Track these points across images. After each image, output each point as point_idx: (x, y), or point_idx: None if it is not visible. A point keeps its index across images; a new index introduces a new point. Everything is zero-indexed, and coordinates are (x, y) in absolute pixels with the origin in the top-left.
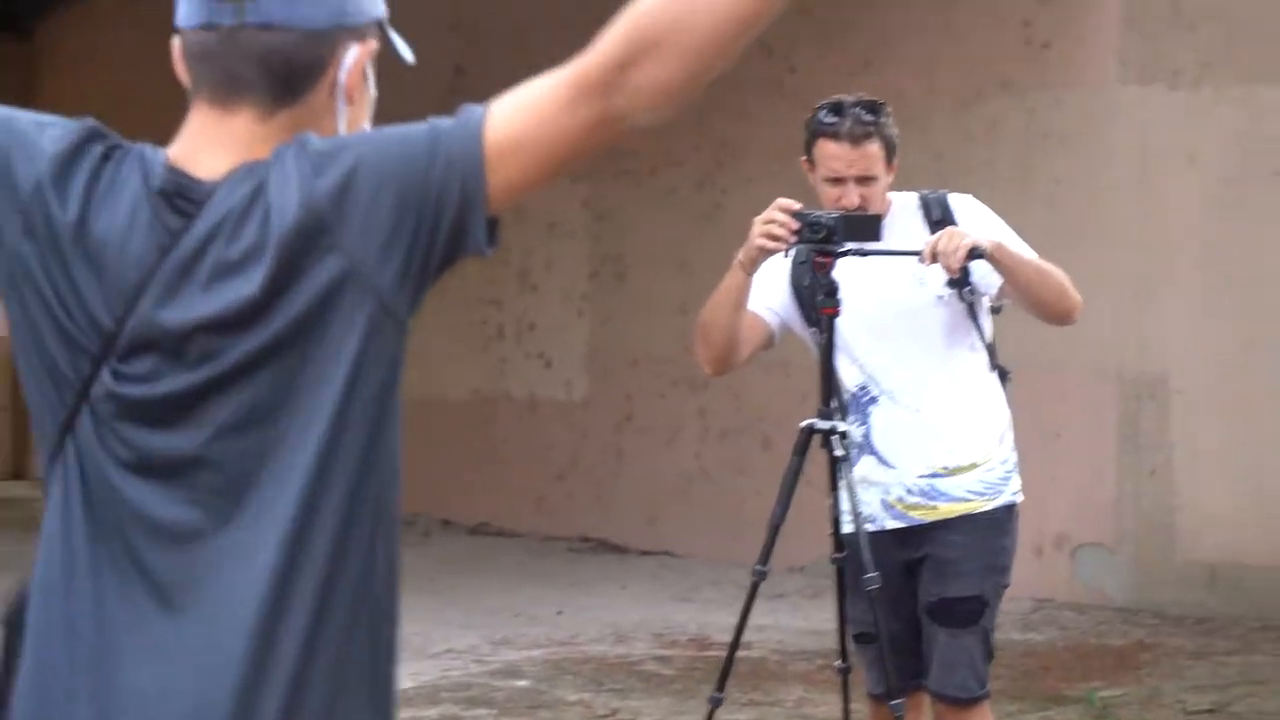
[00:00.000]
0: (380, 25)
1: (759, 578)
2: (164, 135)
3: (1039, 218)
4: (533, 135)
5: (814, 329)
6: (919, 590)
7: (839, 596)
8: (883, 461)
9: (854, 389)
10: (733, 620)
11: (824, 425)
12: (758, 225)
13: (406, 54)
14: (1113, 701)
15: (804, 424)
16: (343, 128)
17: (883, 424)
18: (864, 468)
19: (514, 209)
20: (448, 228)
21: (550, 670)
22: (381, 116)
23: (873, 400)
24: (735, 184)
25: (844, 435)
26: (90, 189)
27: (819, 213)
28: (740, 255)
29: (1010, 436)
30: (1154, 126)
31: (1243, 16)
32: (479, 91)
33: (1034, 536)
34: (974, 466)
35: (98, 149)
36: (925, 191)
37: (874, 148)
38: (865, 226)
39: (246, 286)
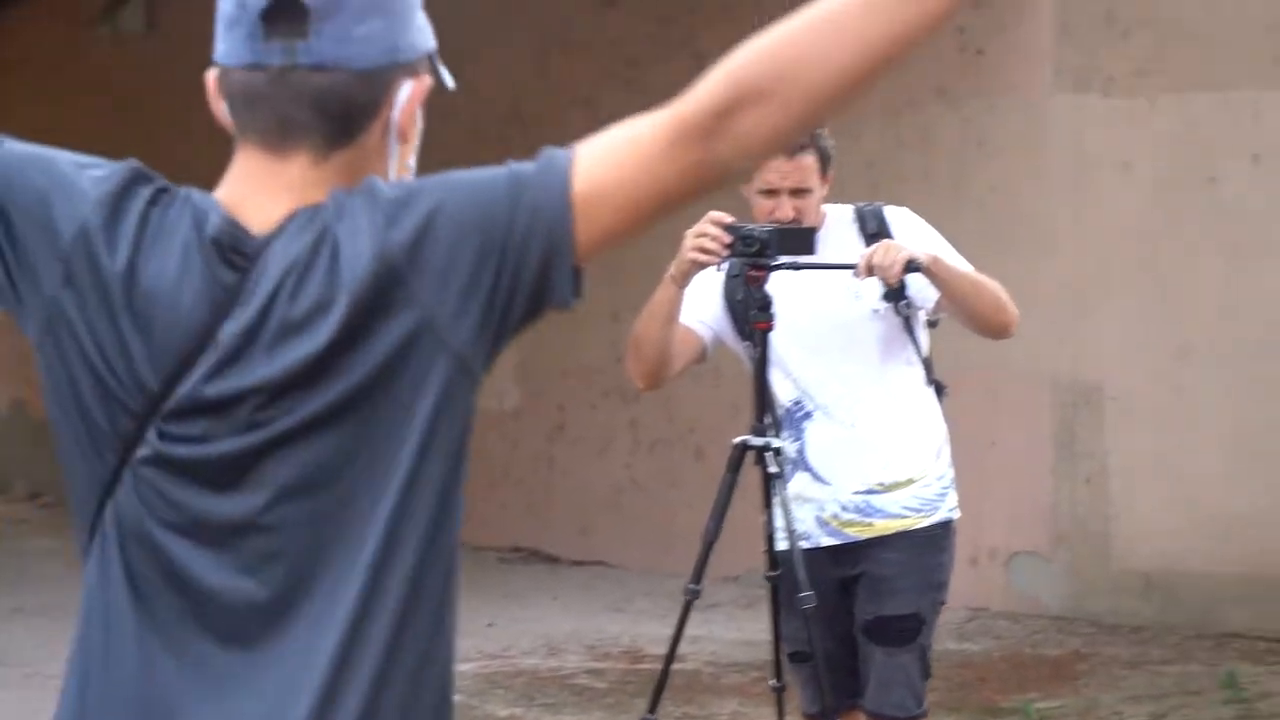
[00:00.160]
0: (431, 59)
1: (692, 596)
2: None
3: (973, 225)
4: (625, 182)
5: (747, 343)
6: (855, 608)
7: (773, 614)
8: (817, 478)
9: (788, 404)
10: (665, 632)
11: (757, 442)
12: (689, 238)
13: (449, 82)
14: (1049, 713)
15: (737, 440)
16: (394, 167)
17: (817, 440)
18: (798, 484)
19: None
20: (530, 280)
21: (481, 684)
22: None
23: (807, 415)
24: None
25: (778, 452)
26: (140, 235)
27: (752, 226)
28: (671, 269)
29: (947, 452)
30: (1088, 134)
31: (1176, 23)
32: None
33: (969, 545)
34: (910, 482)
35: (145, 191)
36: (861, 204)
37: (809, 160)
38: (799, 239)
39: (312, 344)
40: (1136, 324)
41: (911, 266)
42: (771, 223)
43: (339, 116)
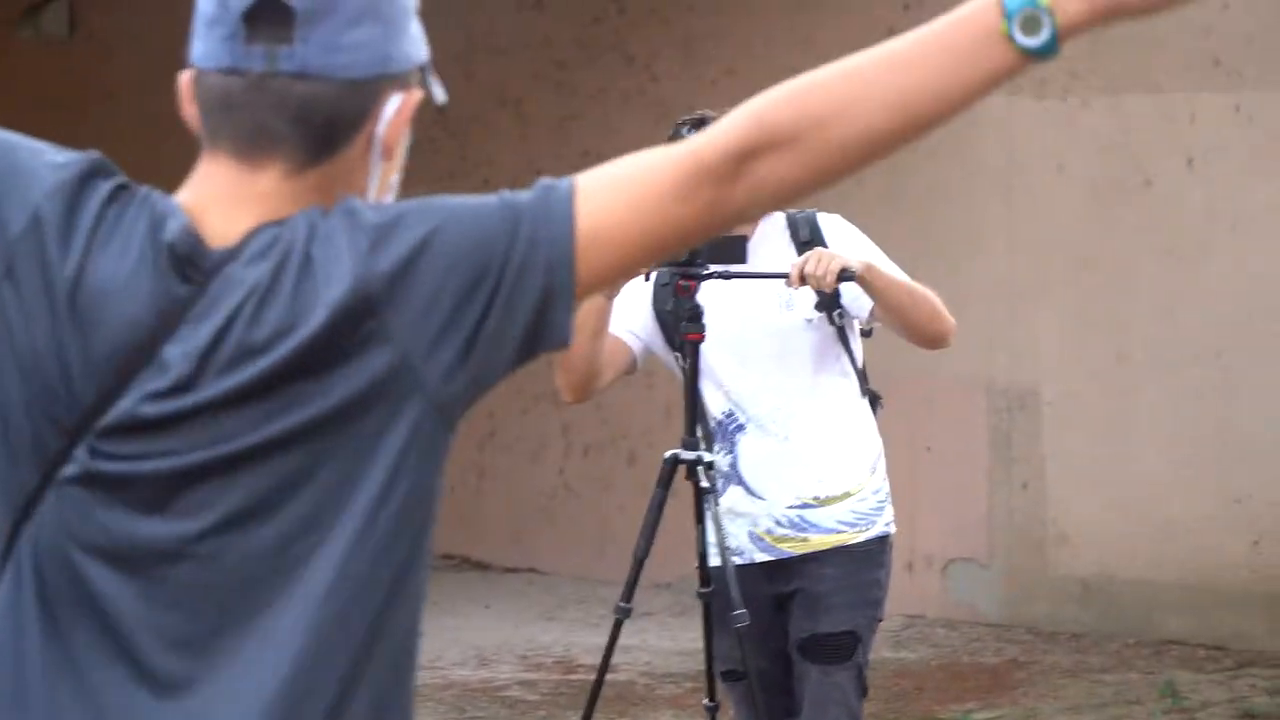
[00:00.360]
0: (422, 71)
1: (623, 615)
2: None
3: (907, 229)
4: (632, 219)
5: (677, 354)
6: (789, 626)
7: (706, 632)
8: (751, 492)
9: (720, 416)
10: (599, 640)
11: (689, 455)
12: None
13: (440, 95)
14: None
15: (668, 454)
16: (375, 186)
17: (750, 453)
18: (731, 498)
19: None
20: (524, 319)
21: None
22: None
23: (740, 428)
24: None
25: (710, 466)
26: (93, 233)
27: None
28: None
29: (883, 465)
30: (1022, 136)
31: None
32: None
33: (905, 552)
34: (845, 496)
35: (104, 186)
36: (793, 211)
37: None
38: (729, 248)
39: (267, 369)
40: (1072, 328)
41: (845, 275)
42: None
43: (320, 128)
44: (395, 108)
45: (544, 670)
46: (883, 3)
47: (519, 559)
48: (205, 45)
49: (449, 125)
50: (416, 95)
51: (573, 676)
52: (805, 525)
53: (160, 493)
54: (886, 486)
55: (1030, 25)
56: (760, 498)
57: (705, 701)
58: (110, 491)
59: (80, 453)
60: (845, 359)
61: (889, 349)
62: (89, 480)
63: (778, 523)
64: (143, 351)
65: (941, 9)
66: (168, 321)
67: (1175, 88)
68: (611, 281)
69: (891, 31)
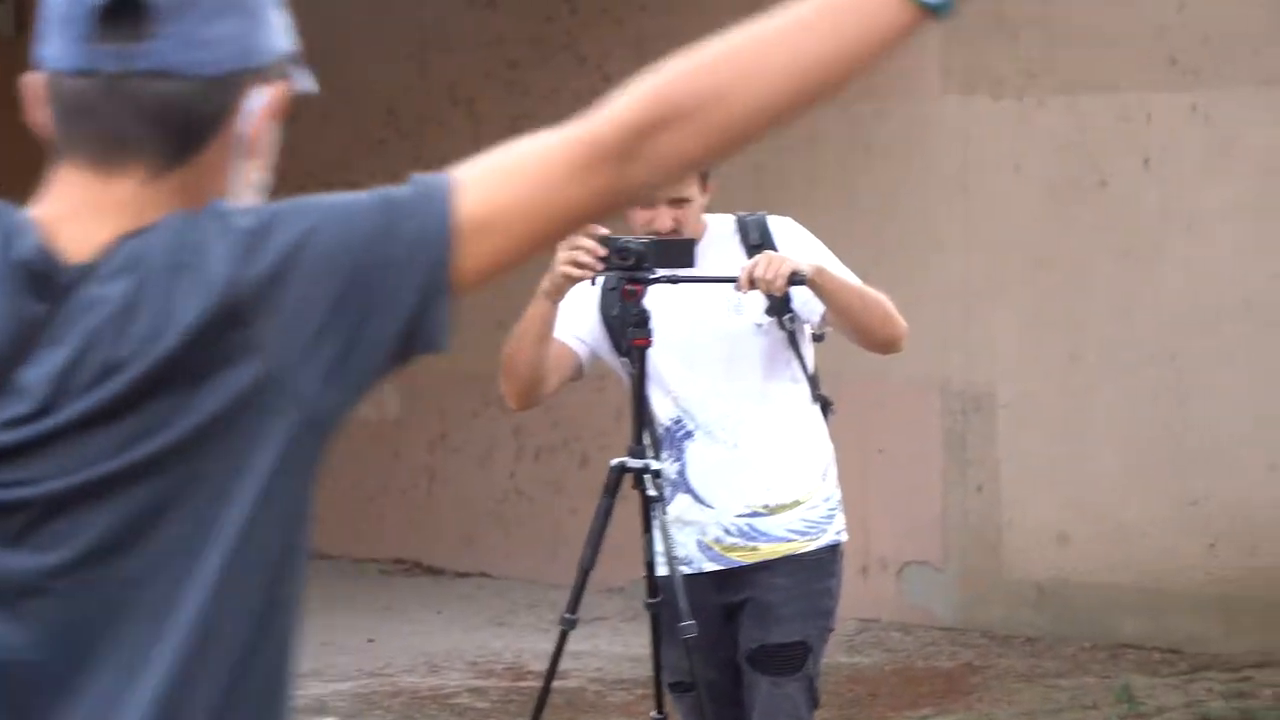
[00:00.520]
0: (287, 62)
1: (568, 626)
2: None
3: (861, 229)
4: (522, 207)
5: (625, 360)
6: (739, 636)
7: (654, 643)
8: (699, 500)
9: (668, 423)
10: (549, 646)
11: (636, 463)
12: (561, 251)
13: (309, 85)
14: None
15: (614, 462)
16: (240, 184)
17: (699, 460)
18: (679, 506)
19: None
20: (400, 324)
21: (359, 705)
22: None
23: (688, 435)
24: None
25: (657, 474)
26: None
27: (628, 238)
28: (545, 283)
29: (834, 472)
30: (977, 136)
31: (1066, 24)
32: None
33: (859, 555)
34: (796, 504)
35: None
36: (743, 214)
37: None
38: (677, 252)
39: (130, 387)
40: (1028, 329)
41: (795, 279)
42: (649, 234)
43: (179, 129)
44: (259, 103)
45: (494, 677)
46: None
47: (470, 563)
48: (56, 45)
49: (400, 126)
50: (282, 88)
51: (523, 684)
52: (755, 534)
53: (20, 524)
54: (838, 494)
55: None
56: (709, 506)
57: (653, 714)
58: None
59: None
60: (796, 364)
61: (842, 350)
62: None
63: (727, 531)
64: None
65: None
66: (23, 344)
67: (1131, 87)
68: (504, 268)
69: None
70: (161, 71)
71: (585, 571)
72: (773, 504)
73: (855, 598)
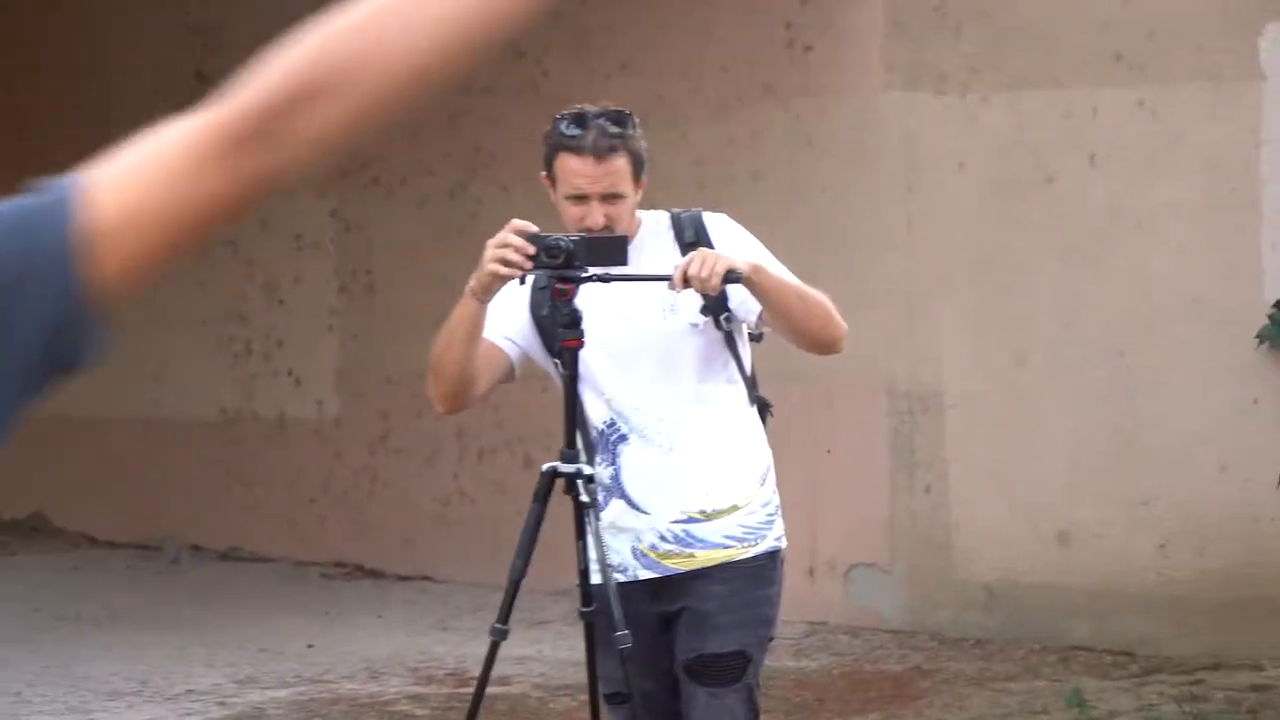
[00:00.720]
0: None
1: (499, 637)
2: None
3: (804, 226)
4: (157, 204)
5: (557, 361)
6: (676, 646)
7: (588, 653)
8: (633, 506)
9: (601, 426)
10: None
11: (568, 468)
12: (489, 249)
13: None
14: None
15: (546, 468)
16: None
17: (633, 464)
18: (613, 512)
19: (257, 220)
20: (33, 349)
21: (297, 712)
22: (120, 124)
23: (622, 438)
24: (490, 193)
25: (590, 479)
26: None
27: (558, 235)
28: (472, 282)
29: (772, 477)
30: (921, 133)
31: (1010, 19)
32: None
33: (805, 557)
34: (733, 510)
35: None
36: (677, 210)
37: (620, 162)
38: (609, 249)
39: None
40: (974, 328)
41: (731, 277)
42: (580, 231)
43: None
44: None
45: (435, 683)
46: None
47: (412, 566)
48: None
49: None
50: None
51: (464, 690)
52: (691, 540)
53: None
54: (776, 499)
55: None
56: (644, 512)
57: None
58: None
59: None
60: (733, 365)
61: (787, 348)
62: None
63: (662, 538)
64: None
65: (845, 1)
66: None
67: (1076, 83)
68: (144, 275)
69: (789, 26)
70: None
71: (516, 582)
72: (709, 509)
73: (802, 600)
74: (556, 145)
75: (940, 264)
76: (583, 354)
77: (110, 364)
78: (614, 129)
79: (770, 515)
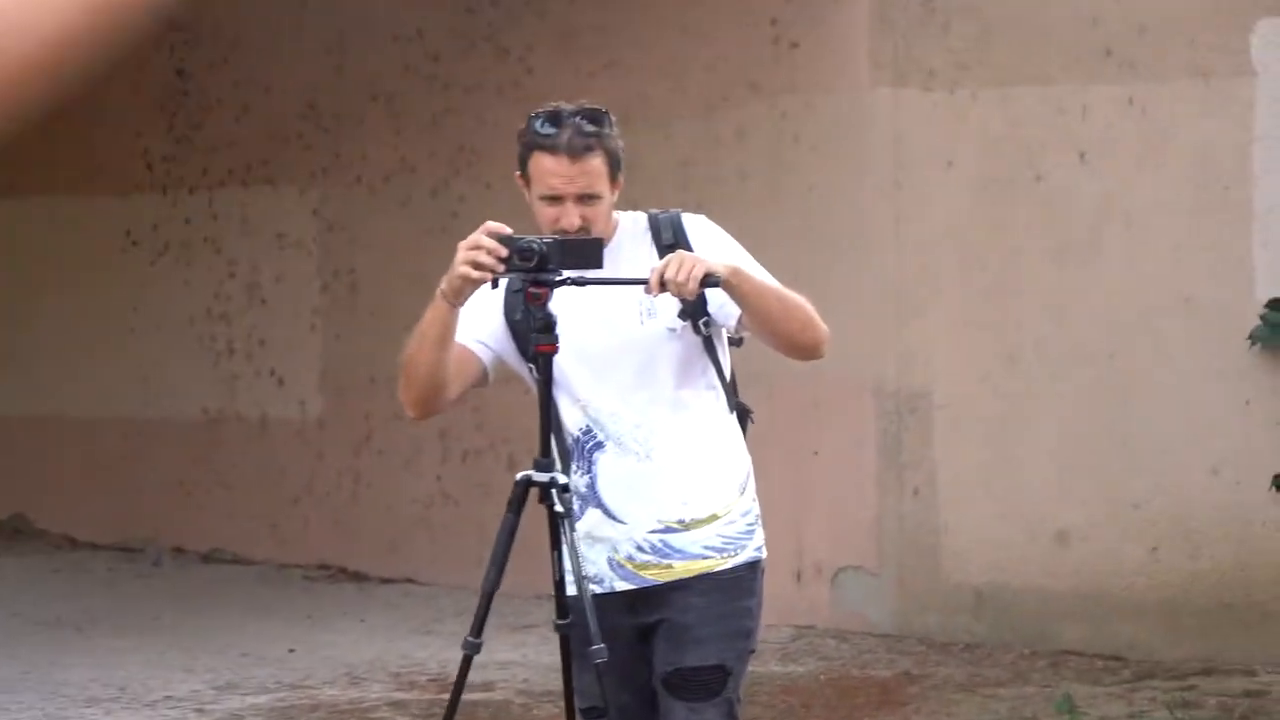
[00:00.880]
0: None
1: (472, 651)
2: None
3: (791, 226)
4: None
5: (531, 366)
6: (654, 659)
7: (564, 667)
8: (610, 515)
9: (577, 433)
10: (478, 657)
11: (542, 477)
12: (461, 251)
13: None
14: None
15: (520, 476)
16: None
17: (609, 473)
18: (589, 522)
19: (239, 218)
20: None
21: (276, 719)
22: (101, 123)
23: (598, 446)
24: (473, 192)
25: (564, 488)
26: None
27: (531, 238)
28: (443, 284)
29: (752, 485)
30: (909, 130)
31: (999, 14)
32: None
33: (792, 560)
34: (713, 519)
35: None
36: (655, 211)
37: (596, 162)
38: (584, 252)
39: None
40: (963, 328)
41: (709, 280)
42: (556, 233)
43: None
44: None
45: (417, 689)
46: None
47: (396, 569)
48: None
49: (320, 121)
50: None
51: (446, 696)
52: (669, 551)
53: None
54: (757, 508)
55: None
56: (620, 521)
57: None
58: None
59: None
60: (712, 371)
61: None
62: None
63: (639, 548)
64: None
65: None
66: None
67: (1066, 79)
68: None
69: (774, 22)
70: None
71: (489, 594)
72: (688, 519)
73: (789, 604)
74: (531, 144)
75: (929, 263)
76: (557, 359)
77: (92, 364)
78: (590, 127)
79: (750, 525)
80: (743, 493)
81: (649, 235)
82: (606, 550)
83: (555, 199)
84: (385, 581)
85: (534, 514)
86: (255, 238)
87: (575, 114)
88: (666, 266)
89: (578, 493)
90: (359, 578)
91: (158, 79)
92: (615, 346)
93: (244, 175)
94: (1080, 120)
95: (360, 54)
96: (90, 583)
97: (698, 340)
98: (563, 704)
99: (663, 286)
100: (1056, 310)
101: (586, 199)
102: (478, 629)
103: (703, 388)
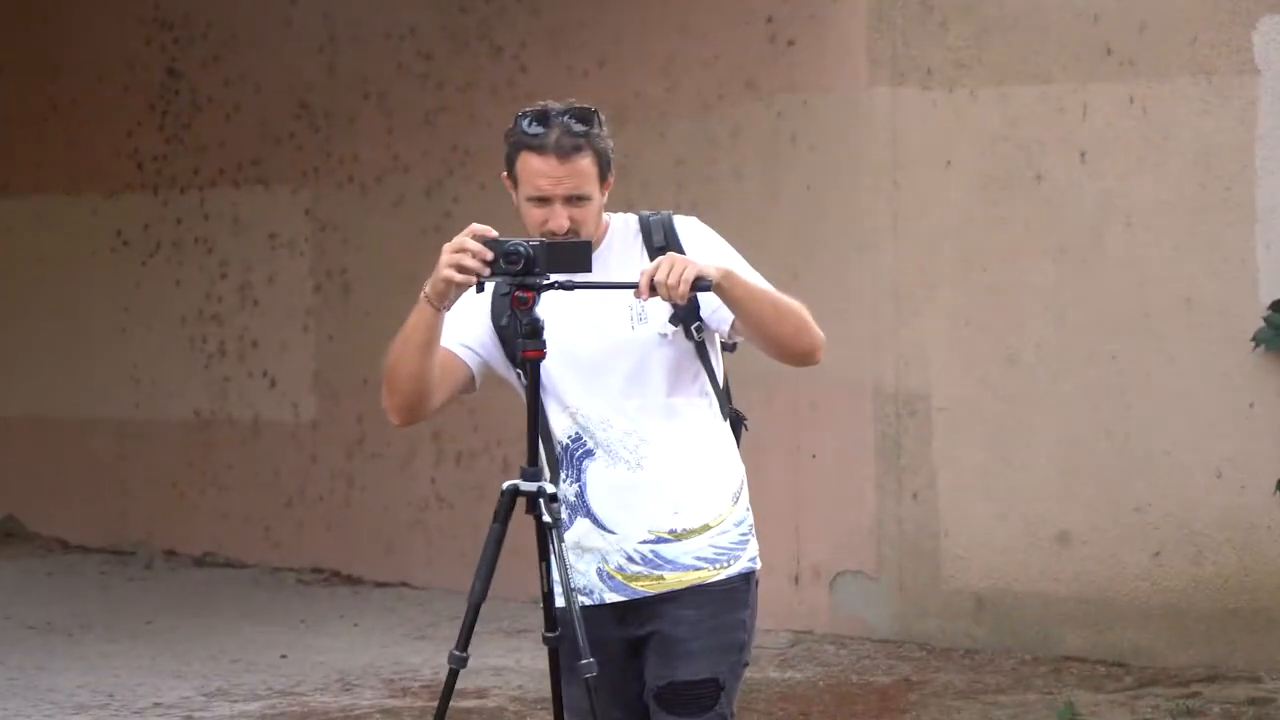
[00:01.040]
0: None
1: (458, 665)
2: None
3: (787, 226)
4: None
5: (519, 372)
6: (645, 673)
7: (553, 680)
8: (599, 525)
9: (566, 440)
10: (470, 662)
11: (529, 487)
12: (445, 254)
13: None
14: None
15: (506, 485)
16: None
17: (599, 481)
18: (578, 532)
19: (231, 218)
20: None
21: None
22: (92, 122)
23: (588, 454)
24: (467, 192)
25: (552, 498)
26: None
27: (517, 240)
28: (427, 288)
29: (746, 494)
30: (907, 129)
31: (998, 12)
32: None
33: (790, 564)
34: (705, 529)
35: None
36: (646, 213)
37: (585, 162)
38: (572, 255)
39: None
40: (962, 330)
41: (700, 284)
42: (544, 235)
43: None
44: None
45: (409, 696)
46: None
47: (390, 572)
48: None
49: (311, 120)
50: None
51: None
52: (660, 562)
53: None
54: (750, 518)
55: None
56: (610, 531)
57: None
58: None
59: None
60: (704, 377)
61: None
62: None
63: (630, 559)
64: None
65: None
66: None
67: (1066, 78)
68: None
69: (769, 19)
70: None
71: (475, 606)
72: (679, 529)
73: (787, 608)
74: (518, 144)
75: (927, 264)
76: (545, 365)
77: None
78: (579, 127)
79: (744, 535)
80: (736, 502)
81: (640, 238)
82: (596, 561)
83: (543, 200)
84: (380, 585)
85: (529, 517)
86: (247, 238)
87: (564, 113)
88: (656, 269)
89: (566, 502)
90: (353, 581)
91: (149, 78)
92: (605, 352)
93: (235, 175)
94: (1080, 119)
95: (352, 53)
96: (82, 586)
97: (690, 346)
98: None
99: (653, 290)
100: (1057, 311)
101: (575, 200)
102: (464, 642)
103: (695, 394)
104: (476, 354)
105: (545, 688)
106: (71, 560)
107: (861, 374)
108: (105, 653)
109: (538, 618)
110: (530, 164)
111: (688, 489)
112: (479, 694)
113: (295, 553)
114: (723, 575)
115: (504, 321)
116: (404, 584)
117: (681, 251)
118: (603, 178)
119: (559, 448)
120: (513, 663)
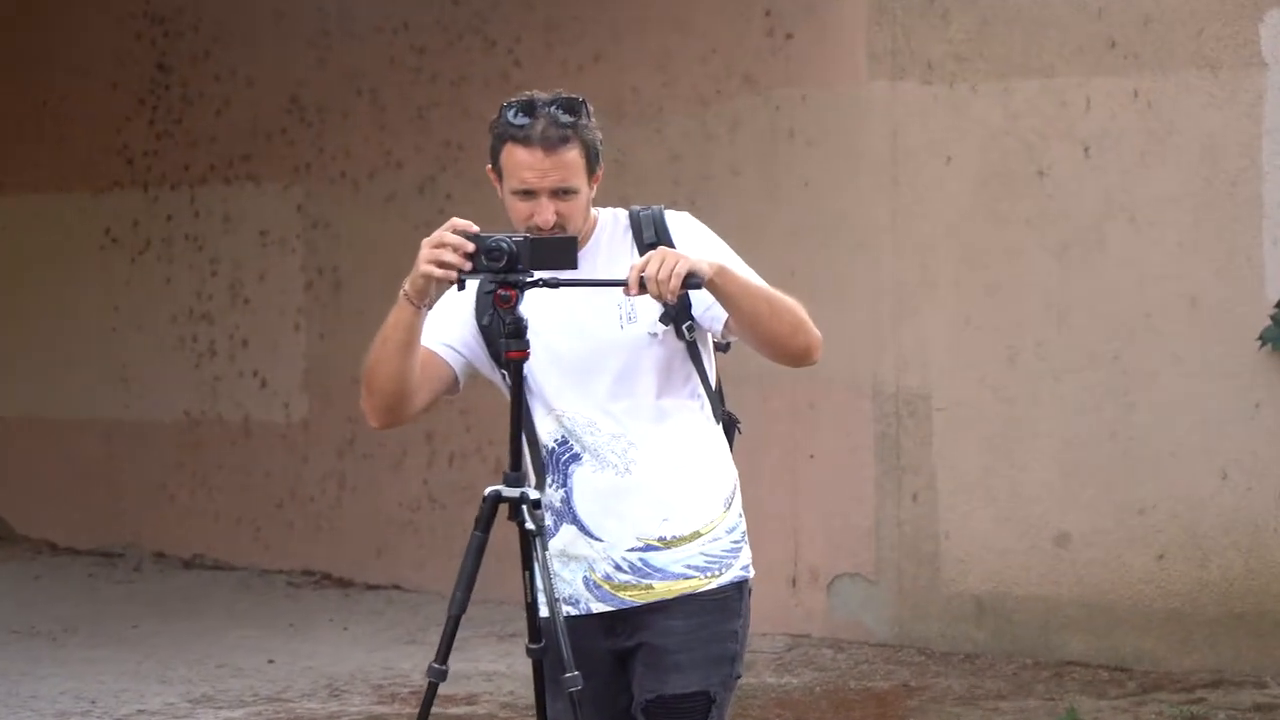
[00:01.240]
0: None
1: (437, 679)
2: None
3: (786, 222)
4: None
5: (504, 372)
6: (634, 686)
7: (537, 693)
8: (586, 532)
9: (552, 444)
10: (462, 667)
11: (512, 493)
12: (425, 249)
13: None
14: None
15: (489, 491)
16: None
17: (586, 487)
18: (564, 539)
19: (221, 215)
20: None
21: None
22: (81, 118)
23: (574, 458)
24: (461, 188)
25: (536, 504)
26: None
27: (500, 235)
28: (406, 285)
29: (739, 500)
30: (907, 124)
31: (998, 6)
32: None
33: (787, 566)
34: (696, 537)
35: None
36: (638, 207)
37: (572, 155)
38: (557, 251)
39: None
40: (963, 328)
41: (692, 280)
42: (529, 230)
43: None
44: None
45: (398, 702)
46: None
47: (381, 574)
48: None
49: (303, 115)
50: None
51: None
52: (649, 570)
53: None
54: (743, 525)
55: None
56: (597, 538)
57: None
58: None
59: None
60: (696, 378)
61: None
62: None
63: (617, 567)
64: None
65: None
66: None
67: (1069, 72)
68: None
69: (768, 13)
70: None
71: (456, 618)
72: (669, 536)
73: (784, 611)
74: (503, 135)
75: (927, 261)
76: (530, 366)
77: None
78: (566, 118)
79: (736, 542)
80: (728, 508)
81: (629, 233)
82: (582, 569)
83: (528, 194)
84: (371, 587)
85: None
86: (238, 235)
87: (550, 103)
88: (646, 263)
89: (552, 508)
90: (344, 583)
91: (138, 73)
92: (592, 352)
93: (226, 171)
94: (1083, 113)
95: (344, 47)
96: (69, 589)
97: (681, 346)
98: None
99: (642, 286)
100: (1059, 309)
101: (562, 194)
102: (443, 655)
103: (686, 396)
104: (459, 354)
105: None
106: (60, 562)
107: (860, 373)
108: (89, 658)
109: None
110: (515, 156)
111: (678, 495)
112: (469, 700)
113: (285, 555)
114: (714, 584)
115: (487, 320)
116: (395, 586)
117: (672, 247)
118: (590, 171)
119: (545, 451)
120: (504, 668)
